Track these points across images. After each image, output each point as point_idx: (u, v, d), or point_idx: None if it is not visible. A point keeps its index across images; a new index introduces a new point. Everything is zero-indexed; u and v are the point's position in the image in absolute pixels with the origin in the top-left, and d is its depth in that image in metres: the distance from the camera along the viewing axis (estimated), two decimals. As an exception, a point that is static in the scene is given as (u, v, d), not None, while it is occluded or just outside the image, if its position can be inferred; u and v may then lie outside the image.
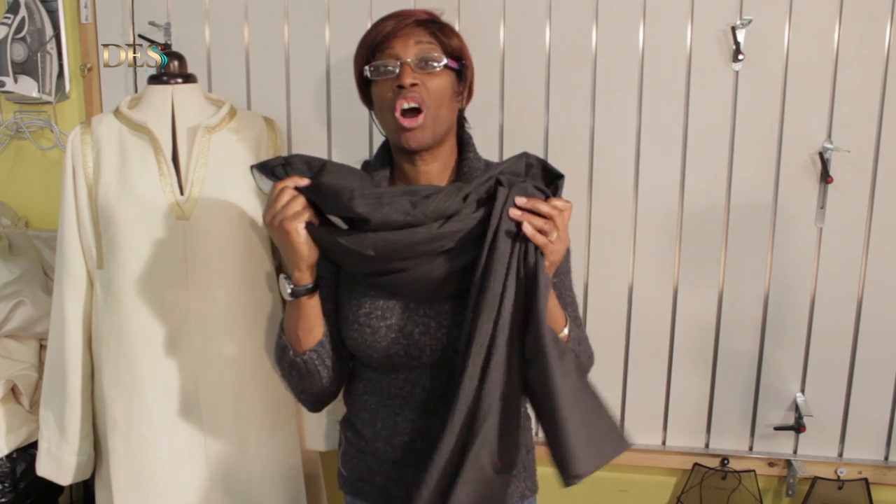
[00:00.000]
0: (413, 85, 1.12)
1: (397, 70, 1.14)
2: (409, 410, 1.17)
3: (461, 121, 1.26)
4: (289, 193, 1.10)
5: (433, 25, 1.18)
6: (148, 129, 1.41)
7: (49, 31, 1.78)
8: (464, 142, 1.24)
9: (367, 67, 1.17)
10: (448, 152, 1.22)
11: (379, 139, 1.68)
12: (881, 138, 1.58)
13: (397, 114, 1.13)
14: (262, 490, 1.49)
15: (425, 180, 1.20)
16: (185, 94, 1.46)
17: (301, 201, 1.10)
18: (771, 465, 1.72)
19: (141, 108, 1.46)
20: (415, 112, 1.13)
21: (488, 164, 1.25)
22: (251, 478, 1.48)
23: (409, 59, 1.14)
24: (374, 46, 1.17)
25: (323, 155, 1.74)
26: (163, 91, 1.45)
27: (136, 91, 1.78)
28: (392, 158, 1.24)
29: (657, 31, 1.61)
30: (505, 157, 1.67)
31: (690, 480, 1.75)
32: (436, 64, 1.15)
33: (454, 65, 1.18)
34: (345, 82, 1.72)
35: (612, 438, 1.07)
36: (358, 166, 1.31)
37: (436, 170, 1.21)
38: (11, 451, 1.58)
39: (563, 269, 1.23)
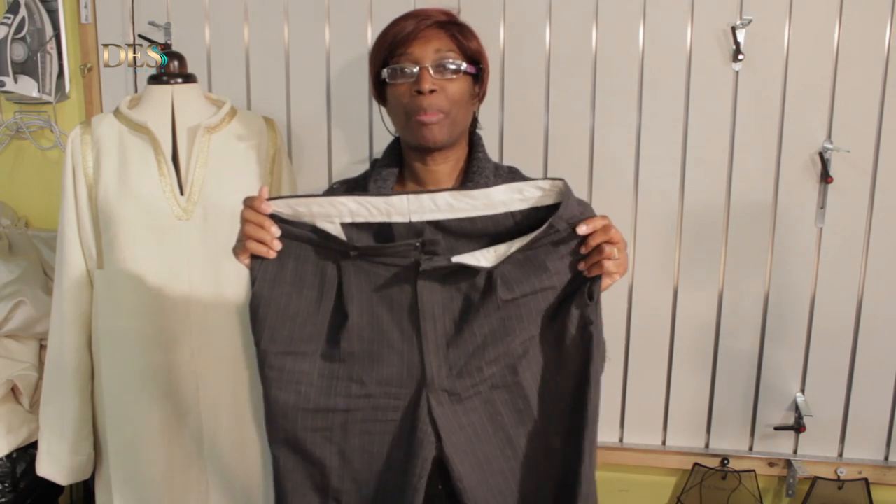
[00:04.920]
0: (432, 91, 1.11)
1: (416, 74, 1.12)
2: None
3: (473, 122, 1.25)
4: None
5: (453, 27, 1.16)
6: (148, 129, 1.41)
7: (49, 31, 1.78)
8: (474, 143, 1.23)
9: (384, 70, 1.16)
10: (459, 153, 1.21)
11: (379, 139, 1.68)
12: (881, 138, 1.58)
13: (418, 117, 1.12)
14: (261, 490, 1.48)
15: (434, 180, 1.20)
16: (185, 94, 1.46)
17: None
18: (771, 465, 1.72)
19: (141, 108, 1.46)
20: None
21: (497, 166, 1.25)
22: (251, 478, 1.48)
23: (428, 64, 1.12)
24: (392, 47, 1.15)
25: (323, 155, 1.73)
26: (163, 91, 1.45)
27: (136, 91, 1.78)
28: (402, 157, 1.23)
29: (657, 31, 1.61)
30: (505, 158, 1.67)
31: (690, 480, 1.75)
32: (455, 69, 1.14)
33: (472, 70, 1.17)
34: (345, 82, 1.72)
35: None
36: (358, 165, 1.31)
37: (446, 170, 1.20)
38: (11, 451, 1.58)
39: None
